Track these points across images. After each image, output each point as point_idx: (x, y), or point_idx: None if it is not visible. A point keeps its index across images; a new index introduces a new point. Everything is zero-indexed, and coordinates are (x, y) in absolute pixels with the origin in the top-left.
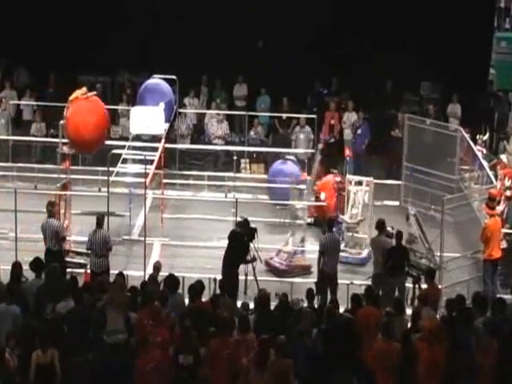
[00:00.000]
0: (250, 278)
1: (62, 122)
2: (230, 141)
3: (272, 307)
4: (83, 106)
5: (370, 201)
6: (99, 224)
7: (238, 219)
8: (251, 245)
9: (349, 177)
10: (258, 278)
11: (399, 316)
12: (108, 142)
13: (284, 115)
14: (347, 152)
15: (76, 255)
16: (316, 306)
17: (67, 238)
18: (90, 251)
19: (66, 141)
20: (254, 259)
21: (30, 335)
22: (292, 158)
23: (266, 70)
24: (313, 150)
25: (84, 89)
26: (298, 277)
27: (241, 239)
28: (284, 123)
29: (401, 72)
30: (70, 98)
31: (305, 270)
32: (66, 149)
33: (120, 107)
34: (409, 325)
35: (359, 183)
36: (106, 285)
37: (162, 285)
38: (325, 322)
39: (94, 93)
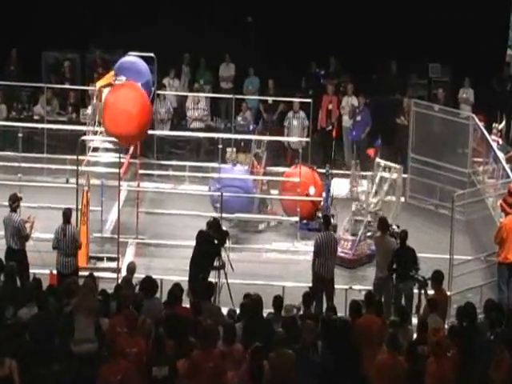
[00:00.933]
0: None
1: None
2: (213, 126)
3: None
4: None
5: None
6: (66, 219)
7: (211, 219)
8: (222, 250)
9: (378, 161)
10: (230, 282)
11: (404, 326)
12: (77, 128)
13: (274, 99)
14: (371, 154)
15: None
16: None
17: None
18: (56, 250)
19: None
20: (222, 266)
21: None
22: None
23: (256, 48)
24: (308, 139)
25: (112, 74)
26: (363, 266)
27: (210, 242)
28: (270, 107)
29: (407, 52)
30: (100, 83)
31: (370, 259)
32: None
33: (91, 88)
34: (414, 335)
35: (388, 169)
36: (74, 288)
37: (137, 288)
38: (321, 332)
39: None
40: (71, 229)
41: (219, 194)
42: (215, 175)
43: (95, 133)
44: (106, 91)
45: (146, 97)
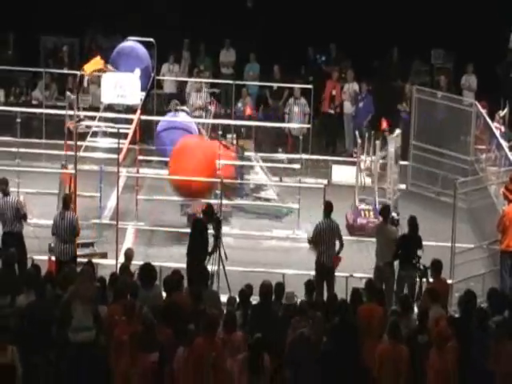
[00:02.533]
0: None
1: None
2: (215, 112)
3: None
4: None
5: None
6: (66, 205)
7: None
8: (211, 235)
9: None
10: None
11: (406, 315)
12: (75, 112)
13: (275, 85)
14: (384, 125)
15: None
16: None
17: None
18: (55, 236)
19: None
20: (213, 251)
21: None
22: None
23: (257, 33)
24: (309, 125)
25: (98, 59)
26: None
27: (204, 229)
28: (275, 94)
29: (409, 38)
30: (88, 68)
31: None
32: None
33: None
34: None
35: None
36: (72, 275)
37: (136, 276)
38: (335, 318)
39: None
40: (70, 215)
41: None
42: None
43: (93, 118)
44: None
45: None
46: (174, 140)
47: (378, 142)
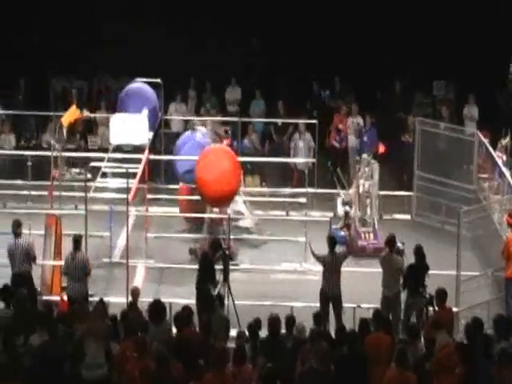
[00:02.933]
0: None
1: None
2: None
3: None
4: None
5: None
6: (77, 246)
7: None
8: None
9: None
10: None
11: (413, 343)
12: (85, 154)
13: (279, 121)
14: (381, 149)
15: None
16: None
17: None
18: (67, 276)
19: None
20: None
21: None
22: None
23: (262, 70)
24: (314, 160)
25: (74, 108)
26: None
27: (208, 263)
28: (280, 130)
29: (410, 70)
30: (65, 120)
31: None
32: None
33: (98, 115)
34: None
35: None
36: (84, 313)
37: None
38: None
39: (87, 114)
40: (81, 254)
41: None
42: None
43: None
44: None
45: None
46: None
47: (367, 169)
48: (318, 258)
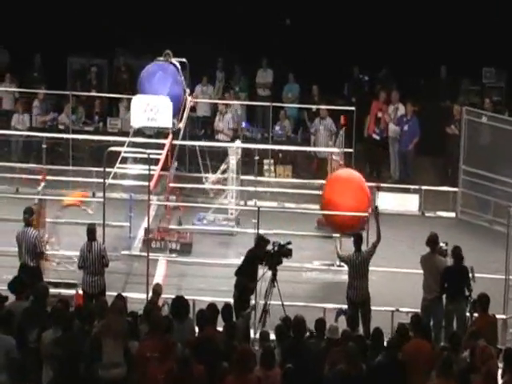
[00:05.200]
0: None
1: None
2: (249, 136)
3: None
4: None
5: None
6: (91, 236)
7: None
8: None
9: None
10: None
11: (456, 352)
12: (104, 138)
13: (314, 107)
14: (342, 120)
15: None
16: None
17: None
18: (82, 269)
19: None
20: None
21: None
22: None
23: (295, 52)
24: (336, 149)
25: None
26: None
27: (252, 257)
28: (314, 116)
29: (458, 56)
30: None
31: None
32: None
33: (119, 95)
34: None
35: None
36: (102, 309)
37: (166, 309)
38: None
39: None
40: (97, 246)
41: None
42: (251, 189)
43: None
44: None
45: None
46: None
47: None
48: (343, 259)
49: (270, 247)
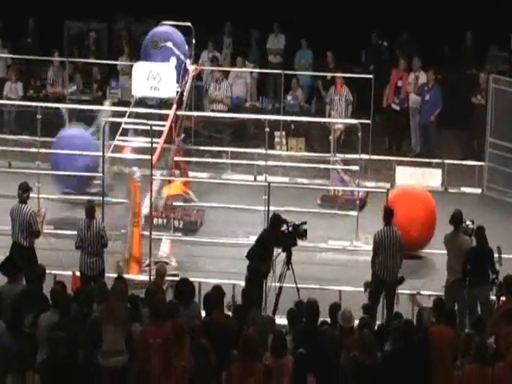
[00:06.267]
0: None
1: None
2: (259, 106)
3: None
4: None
5: None
6: (89, 214)
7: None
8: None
9: None
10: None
11: (481, 338)
12: (103, 108)
13: (329, 74)
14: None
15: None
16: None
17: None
18: (80, 249)
19: None
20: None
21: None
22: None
23: (309, 16)
24: (353, 120)
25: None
26: None
27: (266, 240)
28: (329, 84)
29: (485, 21)
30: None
31: None
32: None
33: (119, 62)
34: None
35: None
36: (101, 292)
37: (170, 292)
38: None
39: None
40: (96, 224)
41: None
42: (261, 163)
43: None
44: None
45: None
46: None
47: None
48: (374, 242)
49: (283, 227)
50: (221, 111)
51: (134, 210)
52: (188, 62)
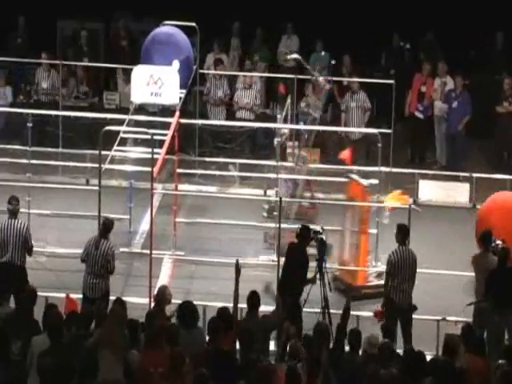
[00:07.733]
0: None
1: None
2: (270, 114)
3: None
4: None
5: None
6: (104, 232)
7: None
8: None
9: None
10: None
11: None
12: (100, 115)
13: (346, 79)
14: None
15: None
16: None
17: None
18: (84, 263)
19: None
20: (313, 279)
21: None
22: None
23: (324, 17)
24: (373, 130)
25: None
26: None
27: (300, 254)
28: (345, 90)
29: None
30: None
31: None
32: None
33: (117, 66)
34: None
35: None
36: (100, 316)
37: (173, 316)
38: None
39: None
40: (106, 245)
41: None
42: (272, 175)
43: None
44: None
45: None
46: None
47: None
48: (389, 263)
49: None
50: (248, 120)
51: (361, 216)
52: None
